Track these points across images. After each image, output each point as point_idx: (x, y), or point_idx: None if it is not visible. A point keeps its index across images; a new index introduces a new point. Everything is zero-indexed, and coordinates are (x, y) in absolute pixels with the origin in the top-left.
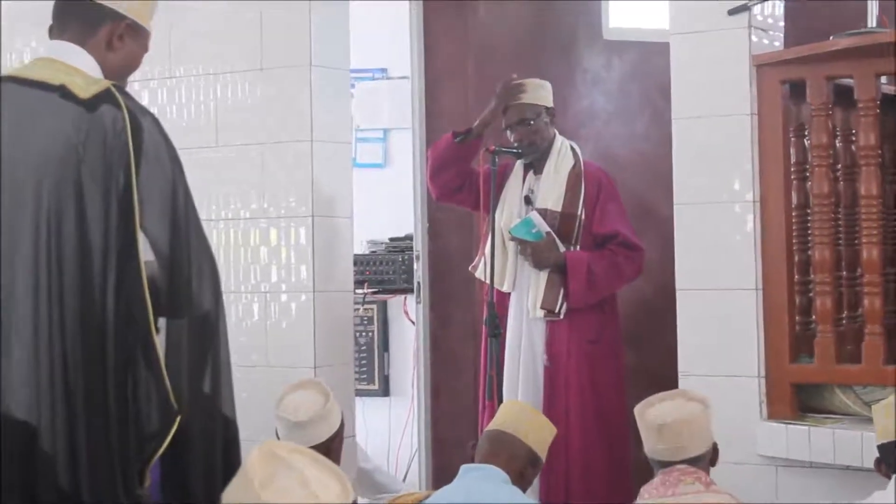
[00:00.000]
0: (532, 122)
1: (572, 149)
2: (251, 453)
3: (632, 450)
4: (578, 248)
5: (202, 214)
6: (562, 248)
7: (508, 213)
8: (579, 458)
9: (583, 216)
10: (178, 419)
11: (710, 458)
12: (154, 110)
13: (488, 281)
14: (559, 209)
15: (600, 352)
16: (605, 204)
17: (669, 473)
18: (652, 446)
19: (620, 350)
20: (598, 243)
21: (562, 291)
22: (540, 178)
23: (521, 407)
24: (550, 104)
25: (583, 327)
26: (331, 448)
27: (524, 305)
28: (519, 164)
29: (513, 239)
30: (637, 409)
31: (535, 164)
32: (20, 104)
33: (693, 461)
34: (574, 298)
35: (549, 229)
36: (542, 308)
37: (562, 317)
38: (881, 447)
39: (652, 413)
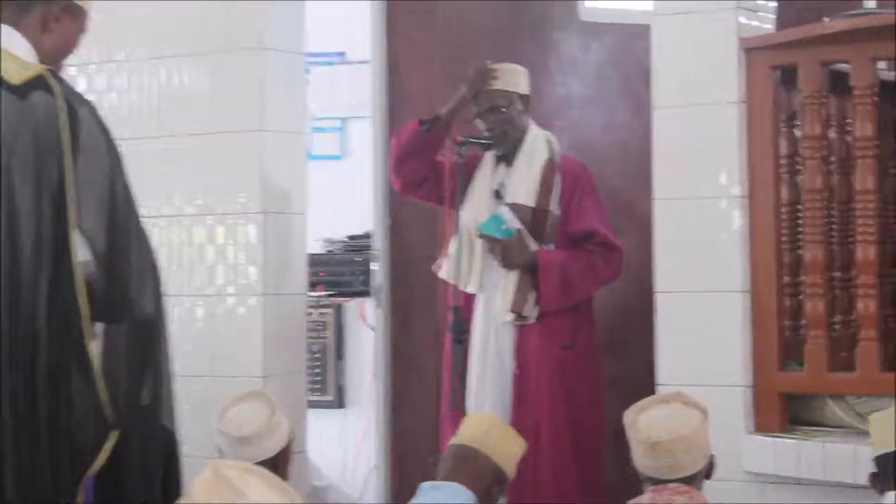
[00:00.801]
0: (504, 110)
1: (548, 140)
2: (199, 476)
3: (607, 467)
4: (552, 247)
5: (143, 211)
6: (534, 247)
7: (477, 208)
8: (550, 476)
9: (557, 212)
10: (116, 432)
11: (705, 473)
12: (92, 98)
13: (453, 282)
14: (531, 204)
15: (574, 359)
16: (581, 200)
17: (660, 492)
18: (643, 462)
19: (596, 357)
20: (573, 242)
21: (533, 294)
22: (511, 171)
23: (487, 420)
24: (526, 91)
25: (555, 332)
26: (277, 465)
27: (492, 308)
28: (489, 156)
29: (481, 236)
30: (627, 416)
31: (507, 156)
32: None
33: (687, 479)
34: (546, 301)
35: (520, 226)
36: (511, 311)
37: (532, 321)
38: (878, 459)
39: (644, 423)
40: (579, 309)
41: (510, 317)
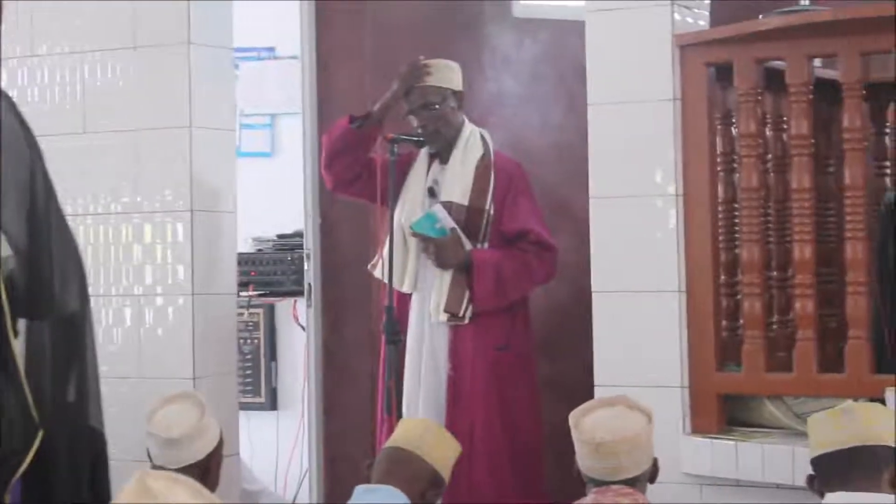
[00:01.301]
0: (437, 107)
1: (482, 137)
2: (125, 485)
3: (546, 469)
4: (486, 245)
5: (68, 209)
6: (468, 246)
7: (410, 206)
8: (485, 478)
9: (491, 211)
10: (41, 433)
11: (649, 476)
12: (13, 93)
13: (387, 281)
14: (465, 203)
15: (509, 360)
16: (516, 198)
17: (604, 494)
18: (587, 463)
19: (532, 358)
20: (507, 241)
21: (467, 293)
22: (446, 169)
23: (423, 422)
24: (459, 87)
25: (490, 332)
26: (209, 467)
27: (426, 308)
28: (423, 153)
29: (414, 235)
30: (572, 417)
31: (442, 154)
32: None
33: (630, 481)
34: (480, 301)
35: (454, 225)
36: (445, 311)
37: (466, 321)
38: (815, 461)
39: (588, 424)
40: (514, 309)
41: (444, 317)
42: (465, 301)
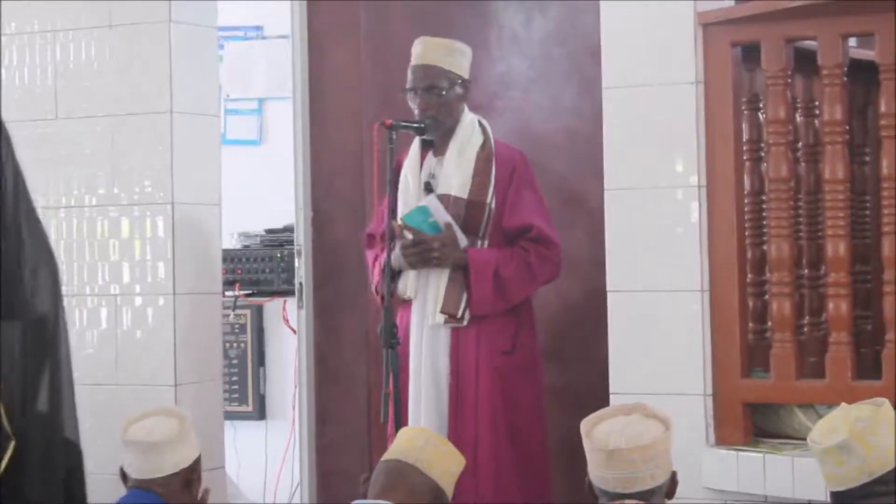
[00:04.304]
0: (444, 92)
1: (481, 125)
2: None
3: (554, 482)
4: (486, 243)
5: (39, 201)
6: (463, 243)
7: (404, 203)
8: (492, 493)
9: (493, 205)
10: (13, 444)
11: (666, 491)
12: None
13: (385, 282)
14: (465, 196)
15: (514, 365)
16: (519, 190)
17: None
18: (598, 473)
19: (538, 362)
20: (508, 238)
21: (465, 293)
22: (442, 161)
23: (423, 433)
24: (466, 75)
25: (493, 335)
26: (191, 480)
27: (426, 312)
28: (416, 145)
29: (405, 228)
30: (584, 425)
31: (437, 145)
32: None
33: (646, 495)
34: (477, 305)
35: (449, 220)
36: (441, 312)
37: (465, 323)
38: (832, 495)
39: (601, 432)
40: (518, 310)
41: (441, 318)
42: (464, 302)
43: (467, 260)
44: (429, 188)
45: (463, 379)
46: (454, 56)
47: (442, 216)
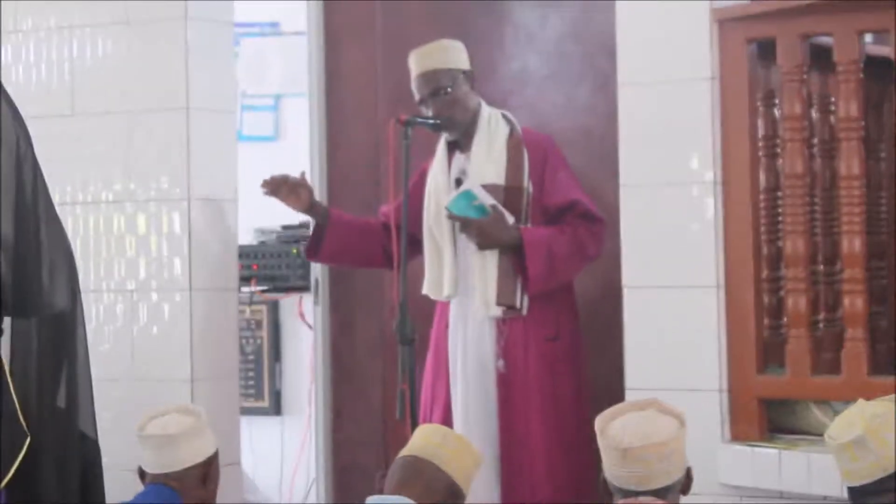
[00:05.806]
0: (449, 90)
1: (504, 116)
2: None
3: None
4: (530, 224)
5: (56, 197)
6: (511, 222)
7: (436, 205)
8: (544, 479)
9: (530, 188)
10: (28, 440)
11: (681, 487)
12: None
13: (432, 296)
14: (502, 182)
15: (560, 351)
16: (554, 171)
17: None
18: (613, 472)
19: (581, 347)
20: (551, 217)
21: (519, 280)
22: (470, 156)
23: (440, 430)
24: (468, 66)
25: (539, 322)
26: (208, 474)
27: (468, 310)
28: (441, 147)
29: (451, 217)
30: (598, 422)
31: (461, 142)
32: None
33: (661, 492)
34: (534, 285)
35: (493, 202)
36: (499, 304)
37: (525, 312)
38: (849, 490)
39: (615, 429)
40: (560, 296)
41: (499, 311)
42: (520, 289)
43: (521, 237)
44: (460, 184)
45: (512, 367)
46: (447, 52)
47: (486, 198)
